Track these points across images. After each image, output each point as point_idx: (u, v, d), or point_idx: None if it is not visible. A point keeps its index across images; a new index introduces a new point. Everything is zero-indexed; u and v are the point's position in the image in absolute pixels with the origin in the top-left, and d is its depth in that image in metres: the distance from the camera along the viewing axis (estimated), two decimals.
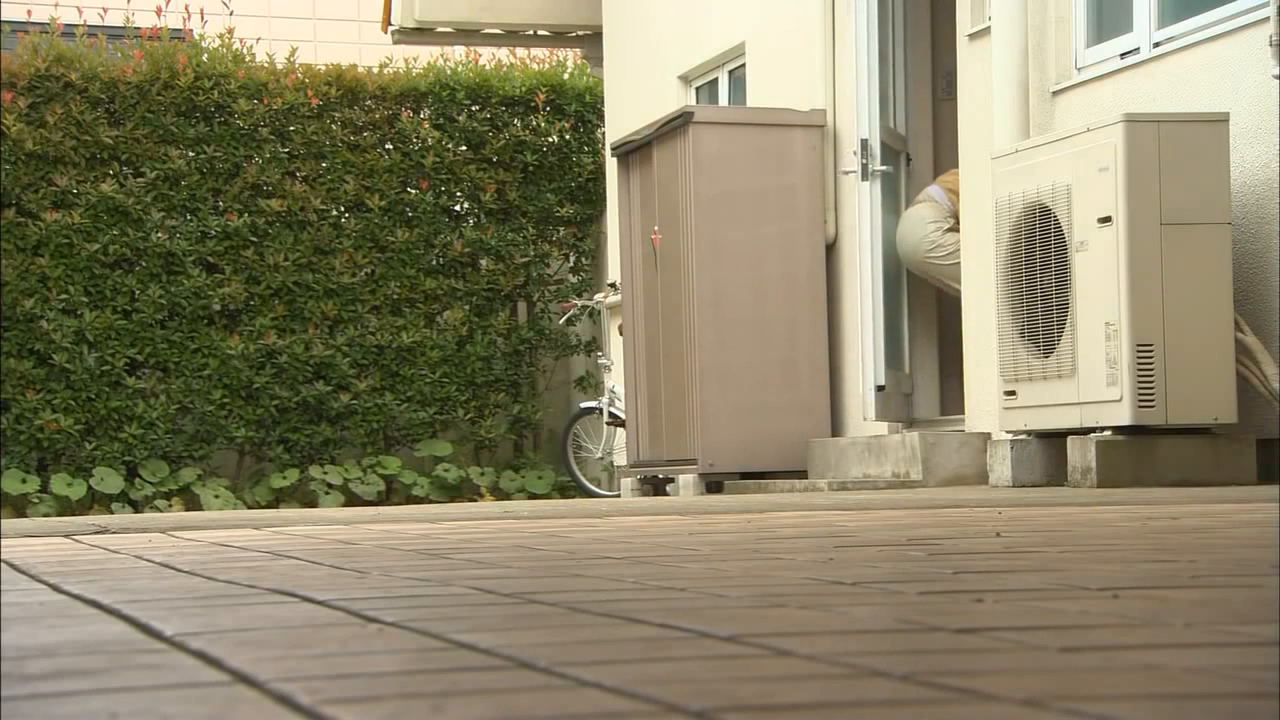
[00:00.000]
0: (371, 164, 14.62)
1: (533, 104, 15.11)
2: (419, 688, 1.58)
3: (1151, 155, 7.41)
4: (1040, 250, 7.87)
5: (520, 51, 15.75)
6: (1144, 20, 8.30)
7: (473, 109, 15.01)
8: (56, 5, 15.31)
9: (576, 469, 13.86)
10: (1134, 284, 7.38)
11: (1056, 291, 7.77)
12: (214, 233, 14.21)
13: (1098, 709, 1.37)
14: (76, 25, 14.69)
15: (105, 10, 15.12)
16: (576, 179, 15.20)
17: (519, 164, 15.03)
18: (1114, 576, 2.62)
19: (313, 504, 14.16)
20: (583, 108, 15.27)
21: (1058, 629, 1.96)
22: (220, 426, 14.18)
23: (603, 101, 14.60)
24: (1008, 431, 8.21)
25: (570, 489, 14.10)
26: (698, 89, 12.95)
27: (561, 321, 14.86)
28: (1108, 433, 7.52)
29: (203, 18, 15.04)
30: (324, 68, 14.79)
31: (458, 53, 15.92)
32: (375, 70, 14.93)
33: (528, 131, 15.09)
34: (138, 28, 14.54)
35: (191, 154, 14.22)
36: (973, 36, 9.32)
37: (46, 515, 13.02)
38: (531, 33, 15.26)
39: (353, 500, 14.27)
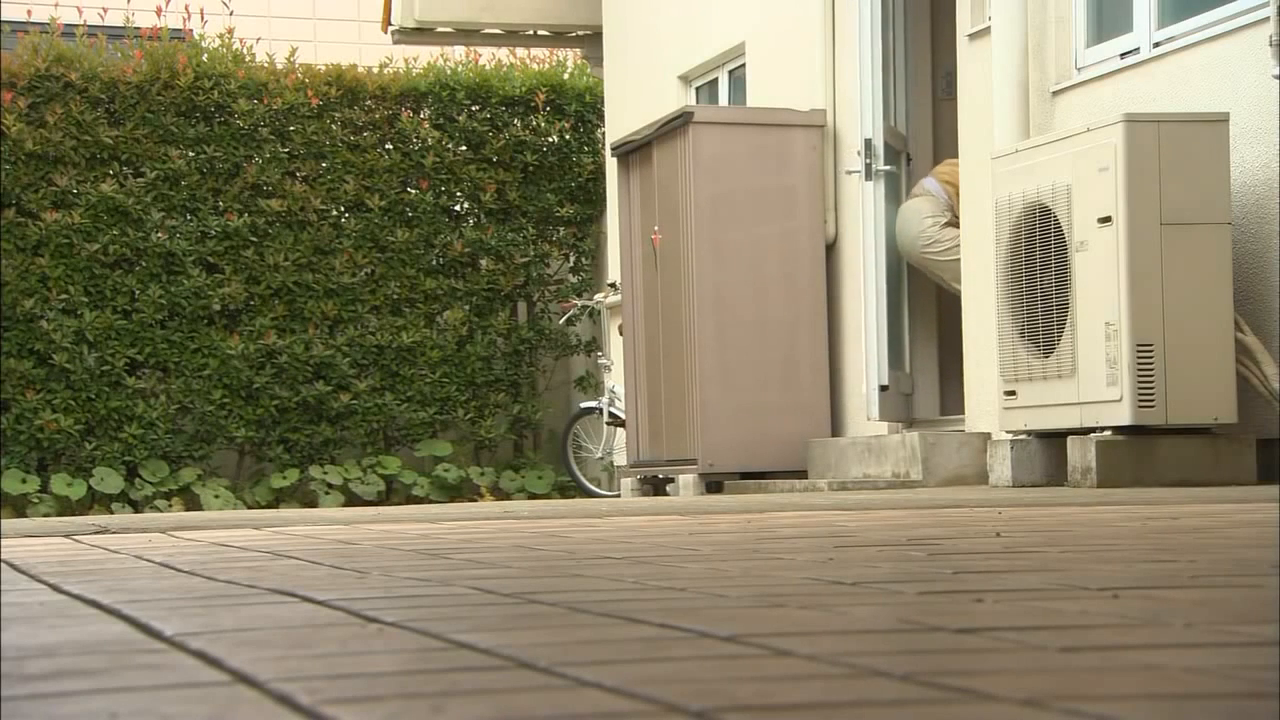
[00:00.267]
0: (371, 164, 14.62)
1: (533, 104, 15.11)
2: (419, 688, 1.58)
3: (1151, 155, 7.41)
4: (1040, 250, 7.87)
5: (520, 51, 15.75)
6: (1144, 20, 8.30)
7: (473, 109, 15.01)
8: (56, 5, 15.31)
9: (576, 469, 13.86)
10: (1134, 284, 7.38)
11: (1056, 291, 7.77)
12: (214, 233, 14.21)
13: (1098, 709, 1.36)
14: (76, 25, 14.69)
15: (105, 10, 15.12)
16: (576, 179, 15.20)
17: (519, 164, 15.03)
18: (1114, 576, 2.62)
19: (313, 504, 14.16)
20: (583, 108, 15.27)
21: (1058, 629, 1.96)
22: (220, 426, 14.18)
23: (603, 101, 14.60)
24: (1008, 431, 8.20)
25: (570, 489, 14.10)
26: (698, 89, 12.95)
27: (561, 321, 14.86)
28: (1108, 433, 7.52)
29: (203, 18, 15.04)
30: (324, 68, 14.79)
31: (458, 53, 15.93)
32: (375, 70, 14.94)
33: (528, 131, 15.09)
34: (138, 28, 14.54)
35: (191, 154, 14.22)
36: (973, 36, 9.32)
37: (46, 515, 13.02)
38: (531, 33, 15.26)
39: (353, 500, 14.27)
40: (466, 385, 14.79)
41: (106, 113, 14.11)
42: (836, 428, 10.71)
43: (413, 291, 14.69)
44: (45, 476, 13.90)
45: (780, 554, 3.34)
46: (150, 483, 13.95)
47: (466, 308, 14.90)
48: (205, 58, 14.43)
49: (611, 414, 13.28)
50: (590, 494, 13.64)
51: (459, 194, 14.98)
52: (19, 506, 13.61)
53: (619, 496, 11.79)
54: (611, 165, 12.88)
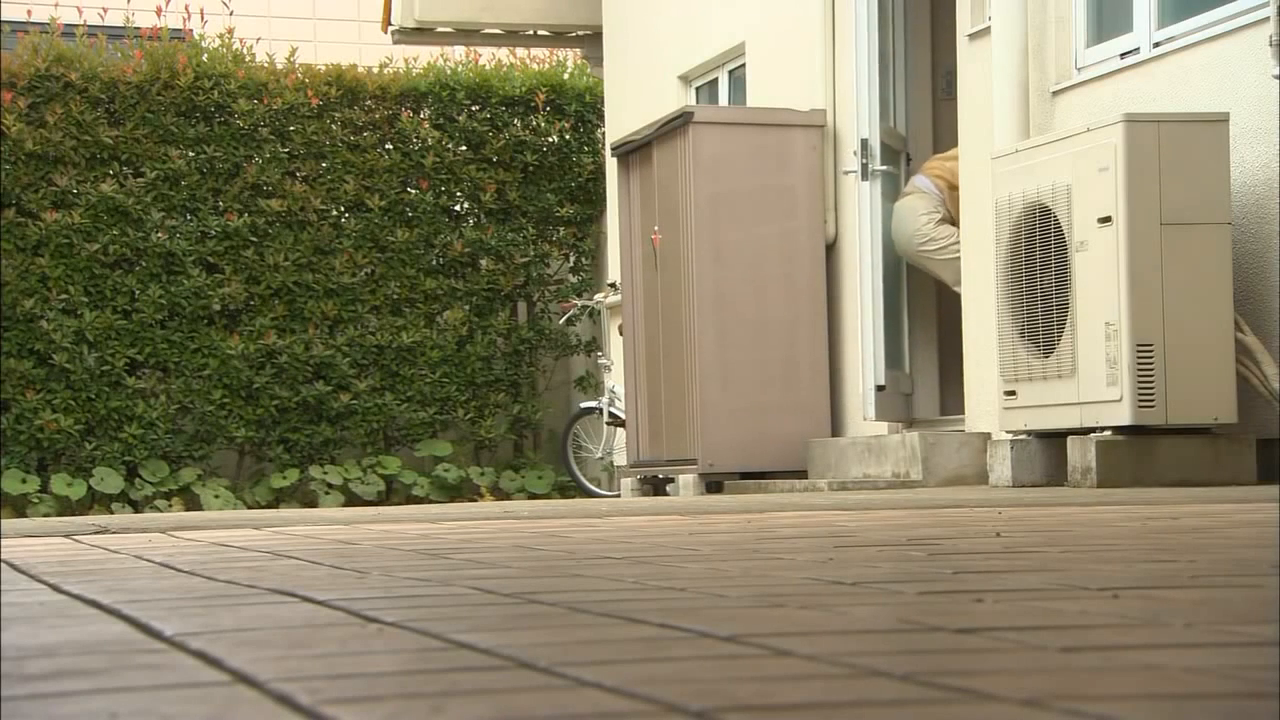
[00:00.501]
0: (371, 164, 14.62)
1: (533, 104, 15.11)
2: (419, 688, 1.58)
3: (1151, 155, 7.41)
4: (1040, 250, 7.87)
5: (520, 51, 15.75)
6: (1144, 20, 8.30)
7: (473, 109, 15.01)
8: (56, 5, 15.31)
9: (576, 469, 13.86)
10: (1134, 284, 7.38)
11: (1056, 291, 7.77)
12: (214, 233, 14.21)
13: (1098, 709, 1.36)
14: (76, 25, 14.69)
15: (105, 10, 15.13)
16: (576, 179, 15.20)
17: (519, 164, 15.03)
18: (1114, 576, 2.62)
19: (313, 504, 14.16)
20: (583, 108, 15.28)
21: (1058, 629, 1.96)
22: (220, 426, 14.18)
23: (603, 101, 14.60)
24: (1008, 431, 8.20)
25: (570, 489, 14.10)
26: (698, 89, 12.95)
27: (561, 321, 14.86)
28: (1108, 433, 7.52)
29: (203, 18, 15.04)
30: (324, 68, 14.79)
31: (458, 53, 15.93)
32: (375, 70, 14.94)
33: (528, 131, 15.09)
34: (138, 28, 14.54)
35: (191, 154, 14.22)
36: (973, 36, 9.32)
37: (46, 515, 13.02)
38: (531, 33, 15.26)
39: (353, 500, 14.27)
40: (466, 385, 14.80)
41: (106, 113, 14.11)
42: (836, 428, 10.71)
43: (413, 291, 14.69)
44: (45, 476, 13.90)
45: (780, 554, 3.34)
46: (150, 483, 13.95)
47: (466, 308, 14.90)
48: (205, 58, 14.43)
49: (611, 414, 13.28)
50: (590, 494, 13.64)
51: (459, 194, 14.98)
52: (19, 506, 13.61)
53: (619, 496, 11.79)
54: (611, 165, 12.88)
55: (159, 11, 14.47)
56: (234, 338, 14.18)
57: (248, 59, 14.63)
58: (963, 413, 9.62)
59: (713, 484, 10.62)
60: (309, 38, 18.71)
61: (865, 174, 10.04)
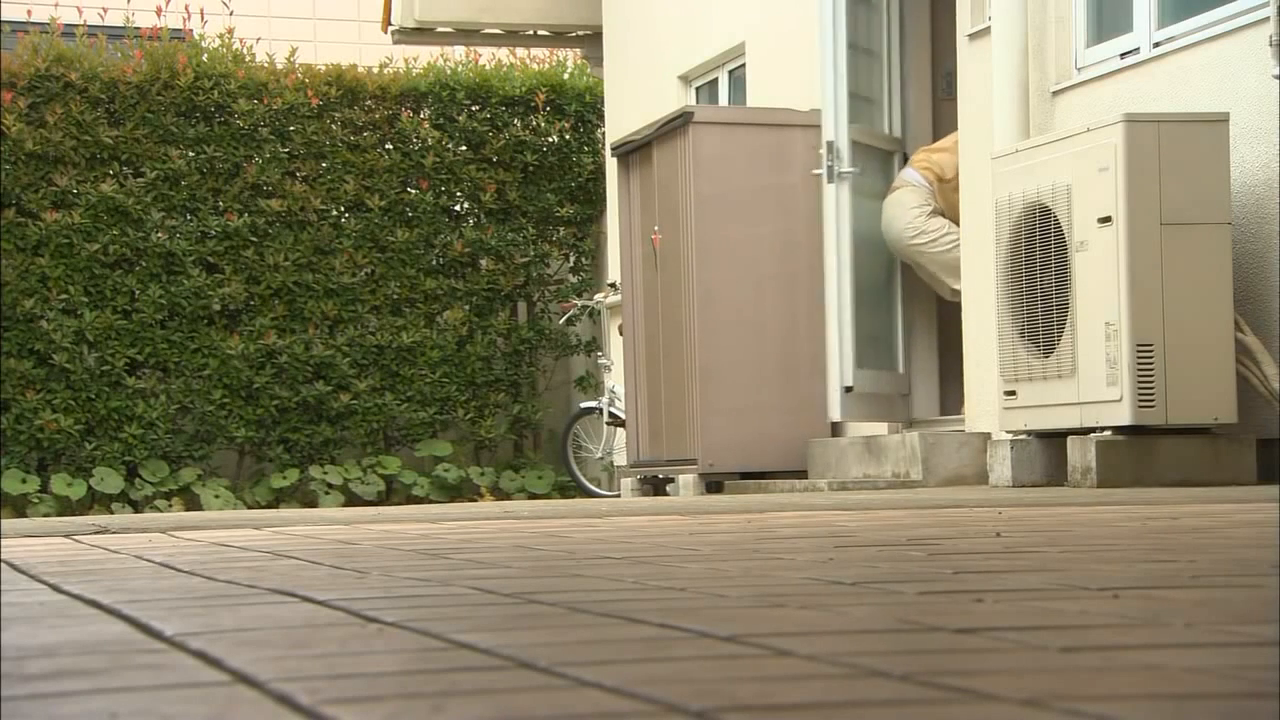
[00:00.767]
0: (371, 164, 14.62)
1: (533, 104, 15.11)
2: (419, 688, 1.58)
3: (1151, 155, 7.41)
4: (1040, 250, 7.87)
5: (520, 51, 15.75)
6: (1144, 20, 8.30)
7: (473, 109, 15.01)
8: (56, 5, 15.32)
9: (576, 469, 13.86)
10: (1134, 284, 7.38)
11: (1056, 291, 7.77)
12: (214, 233, 14.22)
13: (1098, 709, 1.37)
14: (76, 25, 14.69)
15: (105, 10, 15.13)
16: (576, 179, 15.20)
17: (519, 164, 15.03)
18: (1114, 576, 2.62)
19: (313, 504, 14.16)
20: (583, 108, 15.28)
21: (1058, 629, 1.96)
22: (220, 426, 14.18)
23: (603, 101, 14.60)
24: (1008, 431, 8.20)
25: (570, 489, 14.10)
26: (698, 89, 12.95)
27: (561, 321, 14.86)
28: (1108, 433, 7.52)
29: (203, 18, 15.04)
30: (324, 68, 14.80)
31: (458, 53, 15.93)
32: (375, 70, 14.94)
33: (528, 131, 15.09)
34: (138, 28, 14.54)
35: (191, 154, 14.22)
36: (973, 36, 9.32)
37: (46, 515, 13.02)
38: (531, 33, 15.27)
39: (353, 500, 14.28)
40: (466, 385, 14.80)
41: (106, 113, 14.11)
42: (836, 427, 10.71)
43: (413, 291, 14.70)
44: (45, 476, 13.90)
45: (780, 554, 3.34)
46: (150, 483, 13.95)
47: (466, 308, 14.90)
48: (205, 58, 14.43)
49: (611, 414, 13.28)
50: (590, 494, 13.64)
51: (459, 194, 14.98)
52: (19, 506, 13.61)
53: (619, 496, 11.79)
54: (611, 165, 12.88)
55: (159, 11, 14.48)
56: (234, 338, 14.18)
57: (248, 59, 14.63)
58: (963, 413, 9.61)
59: (713, 484, 10.62)
60: (309, 38, 18.71)
61: (831, 176, 9.95)
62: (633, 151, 11.39)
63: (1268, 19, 7.33)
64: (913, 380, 10.49)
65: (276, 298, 14.36)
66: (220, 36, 14.70)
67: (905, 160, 10.48)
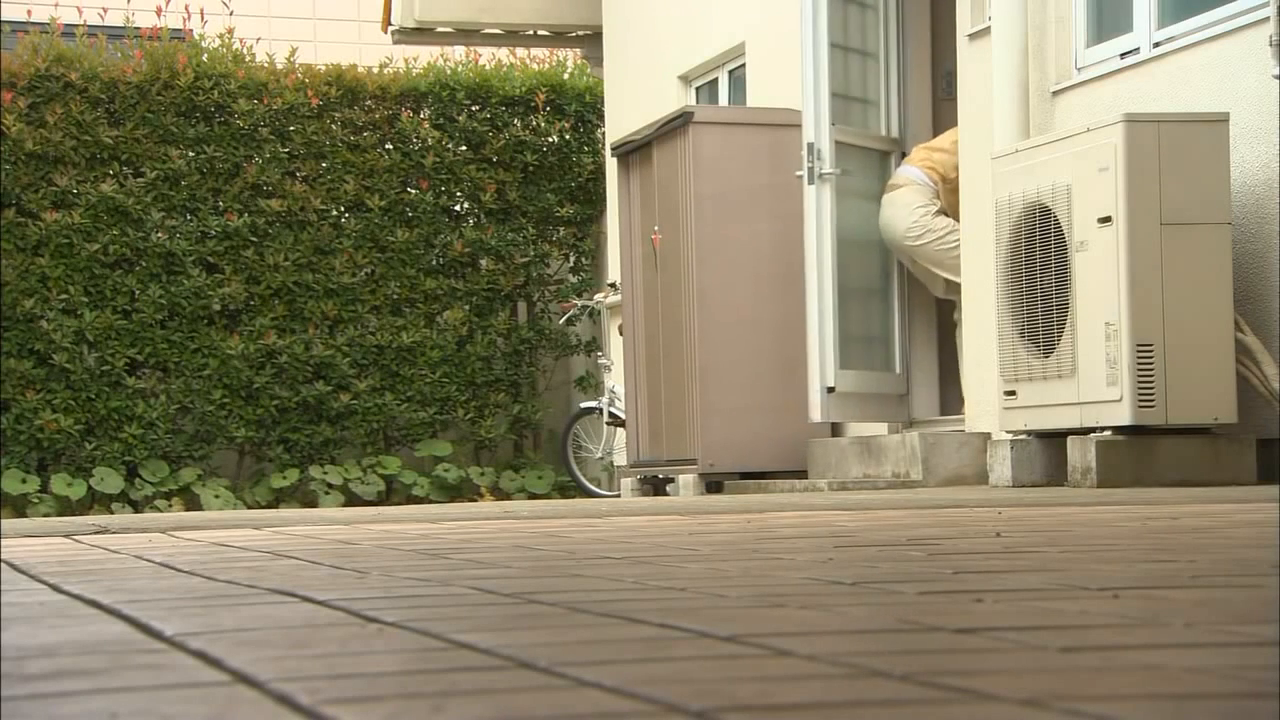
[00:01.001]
0: (371, 164, 14.63)
1: (533, 104, 15.11)
2: (419, 688, 1.58)
3: (1151, 155, 7.41)
4: (1040, 250, 7.87)
5: (520, 51, 15.76)
6: (1144, 20, 8.30)
7: (473, 109, 15.02)
8: (56, 5, 15.32)
9: (576, 469, 13.86)
10: (1134, 284, 7.38)
11: (1056, 291, 7.77)
12: (214, 233, 14.22)
13: (1098, 709, 1.37)
14: (76, 25, 14.70)
15: (105, 10, 15.13)
16: (576, 179, 15.20)
17: (519, 164, 15.03)
18: (1114, 576, 2.62)
19: (313, 504, 14.16)
20: (583, 108, 15.28)
21: (1058, 629, 1.96)
22: (220, 426, 14.18)
23: (603, 101, 14.60)
24: (1008, 431, 8.20)
25: (570, 489, 14.10)
26: (698, 89, 12.95)
27: (561, 321, 14.86)
28: (1108, 433, 7.52)
29: (203, 18, 15.04)
30: (324, 68, 14.80)
31: (458, 53, 15.93)
32: (375, 70, 14.94)
33: (528, 131, 15.09)
34: (138, 28, 14.54)
35: (191, 154, 14.22)
36: (973, 36, 9.32)
37: (46, 515, 13.02)
38: (531, 33, 15.27)
39: (353, 500, 14.28)
40: (466, 385, 14.80)
41: (106, 113, 14.11)
42: (836, 427, 10.71)
43: (413, 291, 14.70)
44: (45, 476, 13.90)
45: (780, 554, 3.34)
46: (150, 483, 13.95)
47: (466, 308, 14.90)
48: (205, 58, 14.43)
49: (611, 414, 13.28)
50: (590, 494, 13.64)
51: (459, 194, 14.98)
52: (19, 506, 13.61)
53: (619, 496, 11.79)
54: (611, 165, 12.88)
55: (159, 11, 14.48)
56: (234, 338, 14.18)
57: (248, 59, 14.63)
58: (962, 413, 9.61)
59: (713, 484, 10.62)
60: (309, 38, 18.71)
61: (812, 177, 9.93)
62: (633, 151, 11.39)
63: (1268, 19, 7.33)
64: (912, 380, 10.49)
65: (276, 298, 14.36)
66: (220, 36, 14.70)
67: (903, 159, 10.45)
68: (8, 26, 15.06)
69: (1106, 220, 7.46)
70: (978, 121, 9.19)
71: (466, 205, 15.02)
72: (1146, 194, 7.40)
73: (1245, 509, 4.98)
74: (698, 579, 2.73)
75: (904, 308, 10.44)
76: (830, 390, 9.88)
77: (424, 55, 15.58)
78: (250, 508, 13.83)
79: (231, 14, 16.08)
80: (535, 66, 15.52)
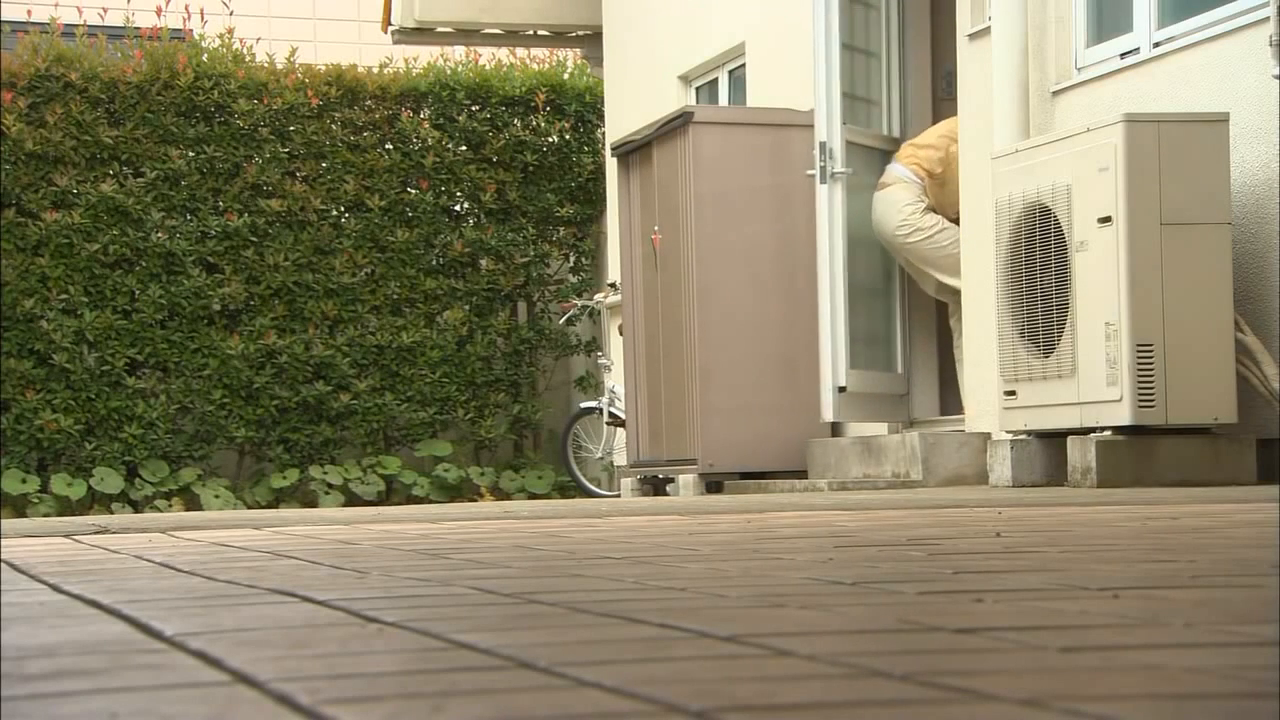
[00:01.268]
0: (371, 164, 14.63)
1: (533, 104, 15.11)
2: (419, 688, 1.58)
3: (1151, 155, 7.41)
4: (1040, 250, 7.87)
5: (520, 51, 15.76)
6: (1144, 20, 8.30)
7: (473, 109, 15.02)
8: (56, 5, 15.32)
9: (576, 469, 13.86)
10: (1134, 284, 7.38)
11: (1056, 291, 7.77)
12: (214, 233, 14.22)
13: (1098, 709, 1.36)
14: (76, 25, 14.70)
15: (105, 10, 15.13)
16: (576, 179, 15.20)
17: (519, 164, 15.03)
18: (1114, 576, 2.62)
19: (313, 504, 14.16)
20: (583, 108, 15.28)
21: (1058, 629, 1.96)
22: (220, 426, 14.18)
23: (603, 101, 14.60)
24: (1008, 431, 8.20)
25: (570, 489, 14.10)
26: (698, 89, 12.95)
27: (561, 321, 14.86)
28: (1108, 433, 7.52)
29: (203, 18, 15.04)
30: (324, 68, 14.80)
31: (458, 53, 15.93)
32: (375, 70, 14.94)
33: (528, 131, 15.09)
34: (138, 28, 14.55)
35: (191, 154, 14.23)
36: (973, 36, 9.32)
37: (46, 515, 13.02)
38: (531, 33, 15.27)
39: (353, 500, 14.28)
40: (466, 385, 14.80)
41: (106, 113, 14.11)
42: (836, 427, 10.71)
43: (413, 291, 14.70)
44: (45, 476, 13.90)
45: (780, 554, 3.34)
46: (150, 483, 13.95)
47: (466, 308, 14.90)
48: (205, 58, 14.43)
49: (611, 414, 13.28)
50: (590, 494, 13.64)
51: (459, 194, 14.98)
52: (19, 506, 13.61)
53: (619, 496, 11.79)
54: (611, 165, 12.88)
55: (159, 11, 14.48)
56: (234, 338, 14.18)
57: (248, 59, 14.63)
58: (962, 413, 9.61)
59: (713, 484, 10.62)
60: (309, 38, 18.71)
61: (824, 176, 9.93)
62: (633, 151, 11.40)
63: (1268, 19, 7.33)
64: (912, 380, 10.49)
65: (276, 298, 14.36)
66: (220, 36, 14.70)
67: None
68: (8, 26, 15.06)
69: (1106, 220, 7.46)
70: (978, 121, 9.19)
71: (466, 205, 15.02)
72: (1146, 194, 7.40)
73: (1245, 509, 4.98)
74: (698, 579, 2.73)
75: (905, 307, 10.44)
76: (842, 390, 9.89)
77: (424, 55, 15.58)
78: (250, 508, 13.83)
79: (231, 14, 16.08)
80: (535, 66, 15.53)
